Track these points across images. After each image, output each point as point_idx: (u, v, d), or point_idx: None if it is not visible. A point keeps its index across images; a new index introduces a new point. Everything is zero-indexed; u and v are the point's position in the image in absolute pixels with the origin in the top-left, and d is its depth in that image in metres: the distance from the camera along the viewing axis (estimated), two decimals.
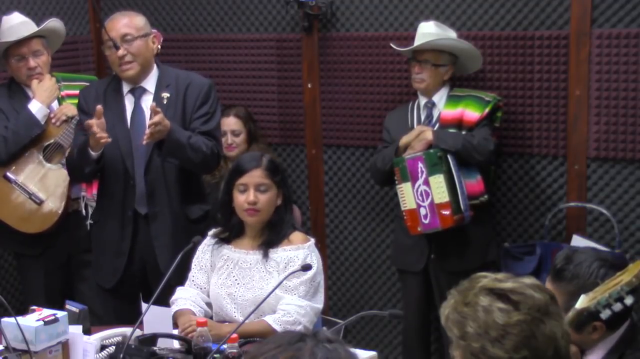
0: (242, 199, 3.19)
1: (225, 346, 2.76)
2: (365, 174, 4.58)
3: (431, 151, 3.83)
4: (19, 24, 4.01)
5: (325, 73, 4.60)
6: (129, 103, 3.72)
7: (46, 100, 3.98)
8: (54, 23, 4.12)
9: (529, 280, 1.98)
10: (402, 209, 3.94)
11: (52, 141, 3.98)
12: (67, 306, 3.05)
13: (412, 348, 4.23)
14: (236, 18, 4.81)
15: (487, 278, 1.99)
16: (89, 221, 3.95)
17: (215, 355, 2.76)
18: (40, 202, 3.96)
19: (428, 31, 3.96)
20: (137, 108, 3.70)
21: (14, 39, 3.96)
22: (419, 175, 3.83)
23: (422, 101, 4.05)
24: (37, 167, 3.98)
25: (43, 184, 3.97)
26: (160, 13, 5.02)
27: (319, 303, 3.20)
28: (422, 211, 3.85)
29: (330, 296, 4.73)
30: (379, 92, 4.48)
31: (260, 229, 3.24)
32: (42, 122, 3.95)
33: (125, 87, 3.73)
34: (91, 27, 5.10)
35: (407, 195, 3.90)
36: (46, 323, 2.74)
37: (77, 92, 4.01)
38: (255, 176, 3.18)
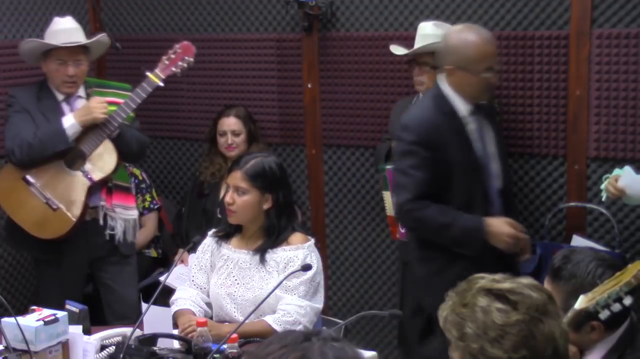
0: (225, 198, 3.23)
1: (225, 346, 2.77)
2: (365, 174, 4.58)
3: None
4: (72, 29, 4.02)
5: (325, 73, 4.60)
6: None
7: (82, 120, 3.90)
8: (103, 38, 4.13)
9: (527, 280, 1.99)
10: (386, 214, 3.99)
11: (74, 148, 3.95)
12: (67, 306, 3.05)
13: (412, 348, 4.22)
14: (236, 18, 4.81)
15: (484, 279, 2.00)
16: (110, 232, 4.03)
17: (215, 355, 2.77)
18: (56, 208, 3.93)
19: (427, 32, 3.94)
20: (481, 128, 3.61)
21: (64, 42, 3.94)
22: None
23: None
24: (57, 173, 3.94)
25: (61, 190, 3.93)
26: (161, 13, 5.02)
27: (319, 303, 3.21)
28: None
29: (330, 296, 4.73)
30: (379, 92, 4.48)
31: (255, 231, 3.24)
32: (70, 140, 3.89)
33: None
34: (91, 27, 5.09)
35: (387, 202, 3.95)
36: (46, 323, 2.74)
37: (107, 99, 3.97)
38: (235, 177, 3.20)
